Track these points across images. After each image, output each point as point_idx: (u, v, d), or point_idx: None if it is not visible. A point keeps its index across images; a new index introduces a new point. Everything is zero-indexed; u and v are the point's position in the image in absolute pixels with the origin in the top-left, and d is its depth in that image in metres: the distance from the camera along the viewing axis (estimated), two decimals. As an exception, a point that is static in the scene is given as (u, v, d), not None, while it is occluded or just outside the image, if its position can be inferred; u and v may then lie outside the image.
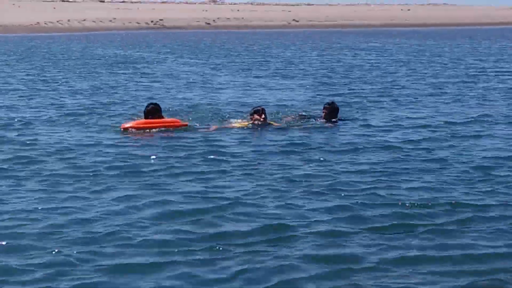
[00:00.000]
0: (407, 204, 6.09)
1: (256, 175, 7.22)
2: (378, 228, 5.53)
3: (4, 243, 5.07)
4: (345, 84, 17.65)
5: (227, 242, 5.13)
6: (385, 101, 14.10)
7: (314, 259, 4.76)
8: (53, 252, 4.82)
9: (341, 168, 7.59)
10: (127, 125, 9.78)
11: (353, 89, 16.44)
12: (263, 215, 5.78)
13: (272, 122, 10.45)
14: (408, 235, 5.32)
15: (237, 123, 10.47)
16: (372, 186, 6.81)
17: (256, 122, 10.08)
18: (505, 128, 10.65)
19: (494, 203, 6.22)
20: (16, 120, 11.11)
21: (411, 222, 5.67)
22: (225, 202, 6.12)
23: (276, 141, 9.22)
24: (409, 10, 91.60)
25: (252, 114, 10.13)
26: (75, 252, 4.86)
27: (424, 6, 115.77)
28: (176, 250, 4.89)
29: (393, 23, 61.73)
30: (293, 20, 62.71)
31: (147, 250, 4.93)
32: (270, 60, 25.96)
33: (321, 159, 8.09)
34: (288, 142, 9.16)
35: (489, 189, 6.72)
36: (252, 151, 8.57)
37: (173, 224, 5.51)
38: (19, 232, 5.32)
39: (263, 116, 10.13)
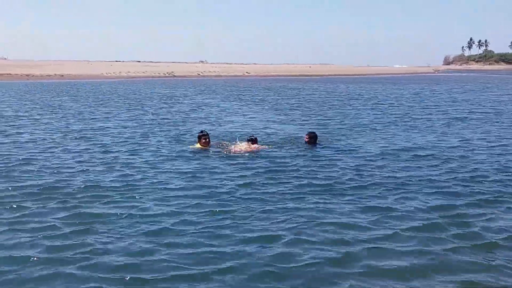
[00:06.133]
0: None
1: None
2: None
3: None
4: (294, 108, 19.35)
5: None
6: (343, 129, 13.98)
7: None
8: None
9: (318, 177, 7.67)
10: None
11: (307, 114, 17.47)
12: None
13: (265, 146, 10.24)
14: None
15: (238, 146, 10.15)
16: (343, 188, 6.95)
17: (248, 147, 9.86)
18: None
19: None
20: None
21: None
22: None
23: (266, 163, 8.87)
24: (310, 67, 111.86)
25: (247, 141, 10.07)
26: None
27: (318, 65, 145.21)
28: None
29: (303, 74, 75.26)
30: (246, 72, 75.16)
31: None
32: (240, 93, 30.33)
33: (305, 172, 8.09)
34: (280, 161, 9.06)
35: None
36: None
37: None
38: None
39: (250, 143, 9.94)
